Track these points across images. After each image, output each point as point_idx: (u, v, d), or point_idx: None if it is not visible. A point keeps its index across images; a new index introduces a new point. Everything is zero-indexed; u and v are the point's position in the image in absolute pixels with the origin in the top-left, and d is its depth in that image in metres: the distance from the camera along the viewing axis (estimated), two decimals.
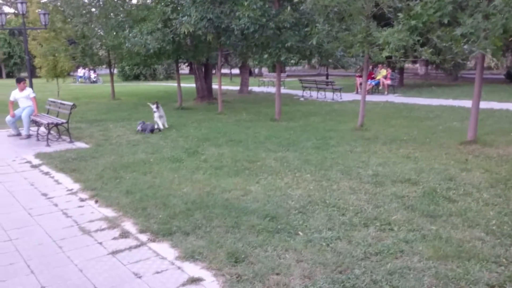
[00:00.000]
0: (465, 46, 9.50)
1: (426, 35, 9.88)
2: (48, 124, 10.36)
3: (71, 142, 10.29)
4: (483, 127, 10.39)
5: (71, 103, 10.83)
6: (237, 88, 26.84)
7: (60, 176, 7.28)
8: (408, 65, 37.65)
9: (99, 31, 19.08)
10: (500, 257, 3.99)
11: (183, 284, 3.73)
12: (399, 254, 4.12)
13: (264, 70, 47.30)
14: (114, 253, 4.36)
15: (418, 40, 9.42)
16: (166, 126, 12.14)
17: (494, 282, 3.57)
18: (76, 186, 6.67)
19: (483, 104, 12.57)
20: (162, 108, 12.14)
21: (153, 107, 11.99)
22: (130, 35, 13.97)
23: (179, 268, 4.01)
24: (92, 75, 41.53)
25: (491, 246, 4.21)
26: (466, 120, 10.24)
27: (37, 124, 10.95)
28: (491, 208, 5.26)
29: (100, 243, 4.61)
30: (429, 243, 4.30)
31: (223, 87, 19.31)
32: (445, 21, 7.87)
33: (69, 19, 19.50)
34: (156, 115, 11.96)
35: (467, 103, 11.32)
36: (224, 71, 40.90)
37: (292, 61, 17.01)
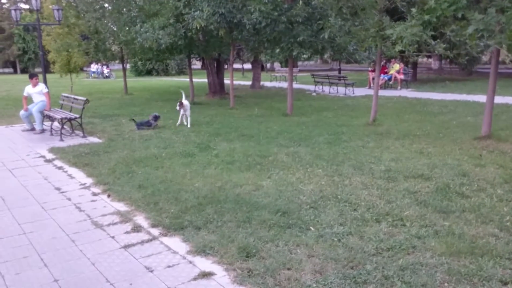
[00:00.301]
0: (480, 42, 9.41)
1: (439, 29, 9.77)
2: (61, 119, 10.45)
3: (84, 137, 10.38)
4: (498, 122, 10.26)
5: (84, 98, 10.91)
6: (249, 83, 26.82)
7: (73, 171, 7.35)
8: (421, 59, 37.26)
9: (111, 26, 19.16)
10: None
11: (195, 278, 3.74)
12: (411, 250, 4.09)
13: (276, 65, 47.20)
14: (126, 247, 4.39)
15: (432, 35, 9.31)
16: (188, 126, 11.47)
17: (507, 278, 3.53)
18: (89, 181, 6.73)
19: (498, 99, 12.42)
20: (187, 106, 11.67)
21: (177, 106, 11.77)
22: (142, 29, 14.00)
23: (190, 262, 4.03)
24: (105, 70, 41.78)
25: (504, 243, 4.16)
26: (480, 115, 10.11)
27: (51, 119, 11.06)
28: (505, 204, 5.19)
29: (113, 237, 4.65)
30: (442, 239, 4.26)
31: (235, 82, 19.31)
32: (459, 15, 7.77)
33: (82, 15, 19.61)
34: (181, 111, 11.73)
35: (482, 98, 11.19)
36: (236, 66, 40.91)
37: (305, 55, 16.92)
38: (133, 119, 11.73)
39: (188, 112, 11.67)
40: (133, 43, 16.58)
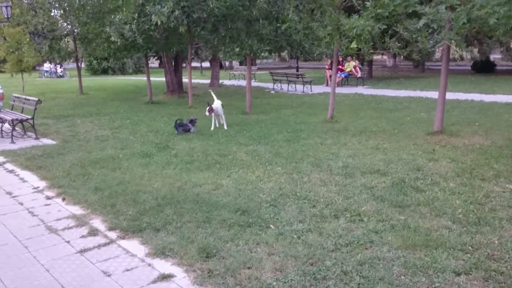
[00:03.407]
0: (430, 39, 9.73)
1: (393, 27, 10.03)
2: (12, 120, 10.04)
3: (37, 138, 10.02)
4: (450, 118, 10.61)
5: (36, 99, 10.54)
6: (208, 81, 26.67)
7: (25, 174, 7.09)
8: (376, 57, 38.12)
9: (71, 23, 18.68)
10: (466, 244, 4.08)
11: (154, 281, 3.68)
12: (369, 244, 4.17)
13: (235, 63, 47.14)
14: (82, 251, 4.27)
15: (386, 32, 9.56)
16: (225, 127, 10.68)
17: (460, 269, 3.65)
18: (42, 184, 6.51)
19: (450, 95, 12.86)
20: (219, 108, 10.78)
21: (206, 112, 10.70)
22: (115, 19, 13.72)
23: (149, 265, 3.96)
24: (59, 70, 40.53)
25: (457, 234, 4.30)
26: (433, 111, 10.44)
27: (1, 120, 10.63)
28: (457, 197, 5.38)
29: (68, 242, 4.51)
30: (398, 233, 4.36)
31: (194, 81, 19.15)
32: (410, 10, 7.99)
33: (34, 12, 18.99)
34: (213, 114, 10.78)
35: (434, 94, 11.55)
36: (194, 64, 40.56)
37: (263, 54, 17.02)
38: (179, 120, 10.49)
39: (221, 112, 10.82)
40: (98, 38, 16.22)
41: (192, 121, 10.31)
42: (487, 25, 7.19)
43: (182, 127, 10.17)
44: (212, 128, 10.53)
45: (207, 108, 10.59)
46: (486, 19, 6.97)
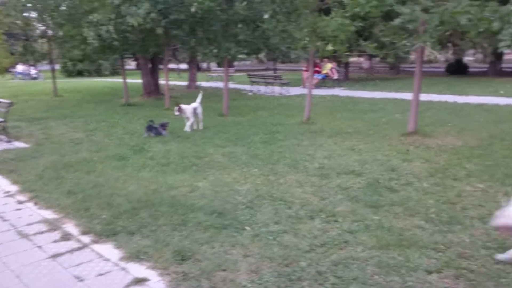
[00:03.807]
0: (406, 42, 9.89)
1: (369, 29, 10.17)
2: None
3: (8, 141, 9.80)
4: (423, 119, 10.78)
5: (8, 101, 10.33)
6: (185, 83, 26.52)
7: None
8: (353, 59, 38.51)
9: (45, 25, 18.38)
10: (438, 243, 4.15)
11: (128, 285, 3.64)
12: (343, 245, 4.20)
13: (213, 65, 46.98)
14: (54, 256, 4.19)
15: (361, 35, 9.68)
16: (200, 127, 10.68)
17: (432, 268, 3.71)
18: (13, 188, 6.36)
19: (423, 97, 13.03)
20: (187, 110, 10.50)
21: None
22: (93, 18, 13.55)
23: (123, 269, 3.91)
24: (33, 71, 39.73)
25: (430, 234, 4.37)
26: (408, 112, 10.57)
27: None
28: (430, 196, 5.47)
29: (40, 247, 4.42)
30: (372, 233, 4.41)
31: (171, 83, 19.04)
32: (385, 10, 8.11)
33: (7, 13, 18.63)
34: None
35: (409, 96, 11.71)
36: (171, 66, 40.31)
37: (241, 56, 17.01)
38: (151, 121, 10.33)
39: (198, 115, 10.72)
40: (74, 40, 15.98)
41: (163, 125, 10.18)
42: (459, 26, 7.35)
43: (153, 130, 10.04)
44: (187, 130, 10.44)
45: (176, 108, 10.53)
46: (459, 21, 7.12)
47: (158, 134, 10.00)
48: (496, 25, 6.87)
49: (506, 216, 3.67)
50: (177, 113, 10.52)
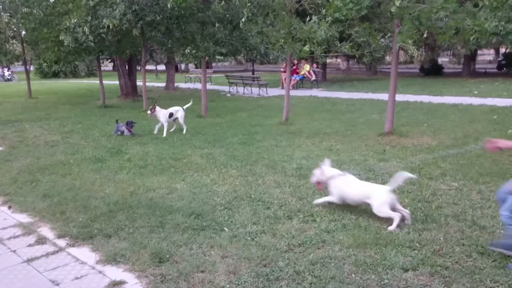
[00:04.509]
0: (382, 40, 10.03)
1: (346, 31, 10.28)
2: None
3: None
4: (400, 119, 10.94)
5: None
6: (163, 84, 26.36)
7: None
8: (330, 60, 38.84)
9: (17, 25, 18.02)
10: (413, 241, 4.22)
11: None
12: (321, 244, 4.23)
13: (191, 66, 46.80)
14: (29, 261, 4.12)
15: (339, 36, 9.77)
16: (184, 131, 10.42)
17: (408, 265, 3.77)
18: None
19: (400, 97, 13.27)
20: (160, 114, 10.26)
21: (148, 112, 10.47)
22: (70, 24, 13.37)
23: (100, 272, 3.87)
24: (6, 73, 38.97)
25: (405, 232, 4.43)
26: (384, 113, 10.70)
27: None
28: (406, 195, 5.55)
29: (14, 251, 4.34)
30: (349, 232, 4.46)
31: (148, 84, 18.88)
32: (363, 13, 8.21)
33: None
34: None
35: (385, 96, 11.89)
36: (149, 67, 40.00)
37: (220, 56, 17.01)
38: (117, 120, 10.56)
39: (181, 120, 10.48)
40: (48, 42, 15.70)
41: (128, 124, 10.14)
42: (434, 28, 7.49)
43: (118, 129, 10.13)
44: (155, 132, 10.34)
45: (150, 107, 10.39)
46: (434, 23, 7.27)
47: (122, 133, 10.05)
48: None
49: (317, 174, 5.28)
50: (149, 113, 10.32)
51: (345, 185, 5.06)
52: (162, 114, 10.25)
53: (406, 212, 4.69)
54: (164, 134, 10.09)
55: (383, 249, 4.07)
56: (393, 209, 4.63)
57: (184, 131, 10.41)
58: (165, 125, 10.24)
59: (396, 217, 4.53)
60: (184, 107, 10.60)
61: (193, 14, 12.11)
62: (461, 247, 4.07)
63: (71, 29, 13.23)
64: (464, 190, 5.70)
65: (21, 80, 34.10)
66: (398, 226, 4.50)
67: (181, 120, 10.52)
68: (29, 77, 22.02)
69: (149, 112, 10.35)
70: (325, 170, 5.25)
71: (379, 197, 4.68)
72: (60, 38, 13.61)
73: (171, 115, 10.37)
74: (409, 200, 5.36)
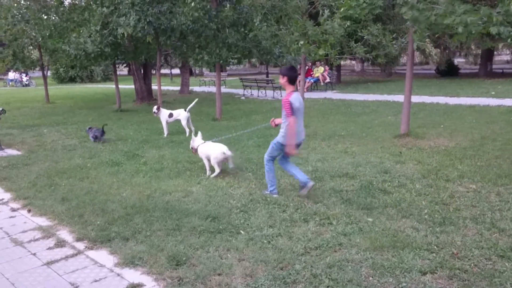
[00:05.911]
0: (395, 41, 9.98)
1: (359, 32, 10.25)
2: None
3: (1, 149, 9.76)
4: (416, 120, 10.85)
5: (0, 108, 10.27)
6: (178, 88, 26.53)
7: None
8: (344, 62, 38.69)
9: (33, 33, 18.28)
10: (431, 244, 4.18)
11: None
12: (337, 247, 4.22)
13: (205, 69, 46.97)
14: (49, 263, 4.18)
15: (352, 37, 9.74)
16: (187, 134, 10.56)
17: (426, 268, 3.74)
18: (7, 196, 6.35)
19: (415, 98, 13.17)
20: (163, 112, 10.79)
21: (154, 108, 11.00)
22: (73, 38, 13.63)
23: (118, 275, 3.91)
24: (24, 78, 39.60)
25: (423, 235, 4.40)
26: (400, 114, 10.64)
27: None
28: (423, 198, 5.50)
29: (34, 254, 4.41)
30: (366, 235, 4.43)
31: (163, 88, 19.05)
32: (376, 12, 8.18)
33: None
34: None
35: (401, 98, 11.81)
36: (164, 71, 40.29)
37: (233, 61, 17.08)
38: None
39: (184, 122, 10.70)
40: (61, 51, 15.96)
41: (98, 131, 10.21)
42: (448, 28, 7.41)
43: (96, 138, 10.15)
44: (165, 136, 10.64)
45: (155, 106, 10.96)
46: (453, 26, 7.17)
47: (96, 138, 10.11)
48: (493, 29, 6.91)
49: (191, 143, 7.17)
50: (155, 112, 10.88)
51: (205, 149, 6.89)
52: (163, 114, 10.78)
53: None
54: (165, 135, 10.68)
55: (401, 252, 4.04)
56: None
57: (187, 134, 10.49)
58: (164, 124, 10.77)
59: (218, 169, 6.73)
60: (187, 109, 10.76)
61: (204, 24, 12.21)
62: (480, 250, 4.02)
63: (74, 43, 13.52)
64: (483, 192, 5.63)
65: (39, 85, 34.64)
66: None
67: (183, 122, 10.72)
68: (46, 82, 22.33)
69: (155, 111, 10.87)
70: (195, 140, 7.16)
71: (213, 153, 6.71)
72: (68, 51, 13.97)
73: (171, 115, 10.82)
74: (426, 203, 5.31)
